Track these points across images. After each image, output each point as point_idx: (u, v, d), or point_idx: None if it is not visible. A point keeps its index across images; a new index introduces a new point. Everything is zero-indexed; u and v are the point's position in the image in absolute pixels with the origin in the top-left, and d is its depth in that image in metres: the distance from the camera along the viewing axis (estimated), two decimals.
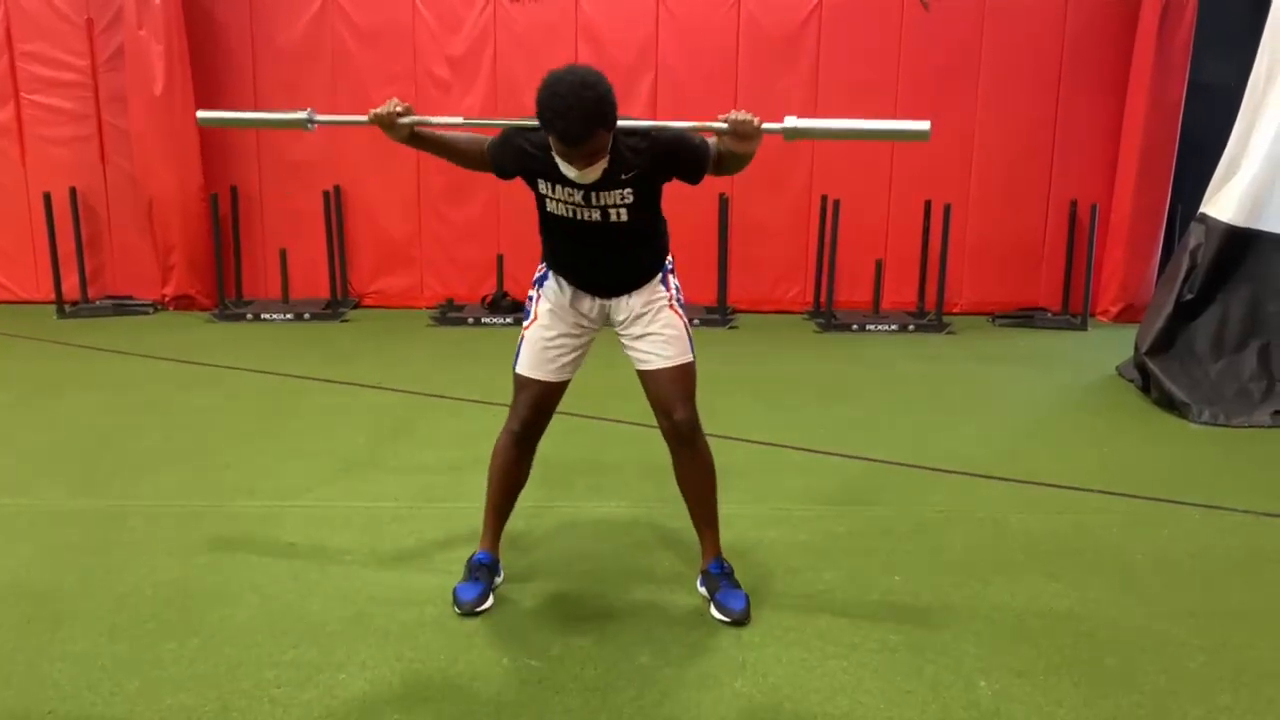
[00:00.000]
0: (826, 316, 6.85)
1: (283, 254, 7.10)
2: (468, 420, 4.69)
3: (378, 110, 2.71)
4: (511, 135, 2.71)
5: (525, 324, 2.89)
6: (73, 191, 6.85)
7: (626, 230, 2.70)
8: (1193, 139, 6.75)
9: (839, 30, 6.90)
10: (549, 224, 2.78)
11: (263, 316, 6.88)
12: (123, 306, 7.05)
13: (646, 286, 2.84)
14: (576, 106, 2.38)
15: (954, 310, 7.14)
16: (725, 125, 2.56)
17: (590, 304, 2.85)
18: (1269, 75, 5.02)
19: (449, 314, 6.90)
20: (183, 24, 6.67)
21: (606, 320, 2.89)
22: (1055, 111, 7.05)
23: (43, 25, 6.84)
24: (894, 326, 6.78)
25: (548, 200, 2.70)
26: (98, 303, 7.05)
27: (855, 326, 6.78)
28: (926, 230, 6.86)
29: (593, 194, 2.62)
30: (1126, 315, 7.01)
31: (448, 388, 5.18)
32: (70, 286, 6.94)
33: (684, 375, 2.84)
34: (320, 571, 3.14)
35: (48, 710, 2.42)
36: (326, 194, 6.97)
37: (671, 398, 2.82)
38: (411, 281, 7.33)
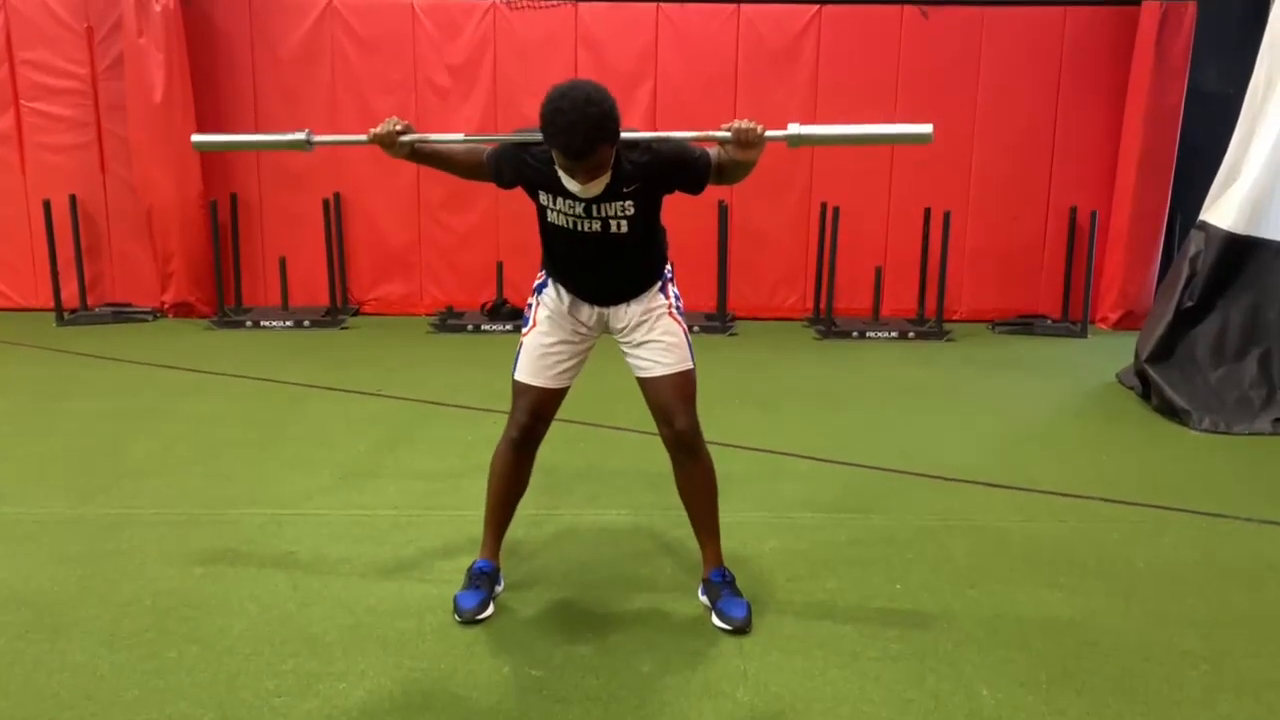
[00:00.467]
0: (826, 324, 6.85)
1: (282, 261, 7.09)
2: (467, 427, 4.68)
3: (377, 130, 2.73)
4: (516, 144, 2.71)
5: (524, 331, 2.90)
6: (72, 199, 6.85)
7: (627, 241, 2.70)
8: (1192, 146, 6.76)
9: (838, 39, 6.92)
10: (549, 233, 2.78)
11: (262, 324, 6.87)
12: (122, 314, 7.04)
13: (646, 295, 2.84)
14: (580, 122, 2.38)
15: (954, 317, 7.14)
16: (728, 134, 2.56)
17: (589, 312, 2.86)
18: (1268, 83, 5.03)
19: (448, 321, 6.90)
20: (183, 32, 6.68)
21: (605, 328, 2.90)
22: (1054, 119, 7.06)
23: (43, 33, 6.85)
24: (894, 334, 6.78)
25: (548, 211, 2.71)
26: (97, 310, 7.05)
27: (855, 334, 6.78)
28: (926, 237, 6.87)
29: (594, 206, 2.62)
30: (1126, 322, 7.02)
31: (447, 395, 5.18)
32: (69, 294, 6.93)
33: (684, 382, 2.84)
34: (320, 580, 3.13)
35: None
36: (326, 201, 6.97)
37: (672, 405, 2.83)
38: (411, 288, 7.33)
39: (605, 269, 2.80)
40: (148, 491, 3.87)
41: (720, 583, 2.92)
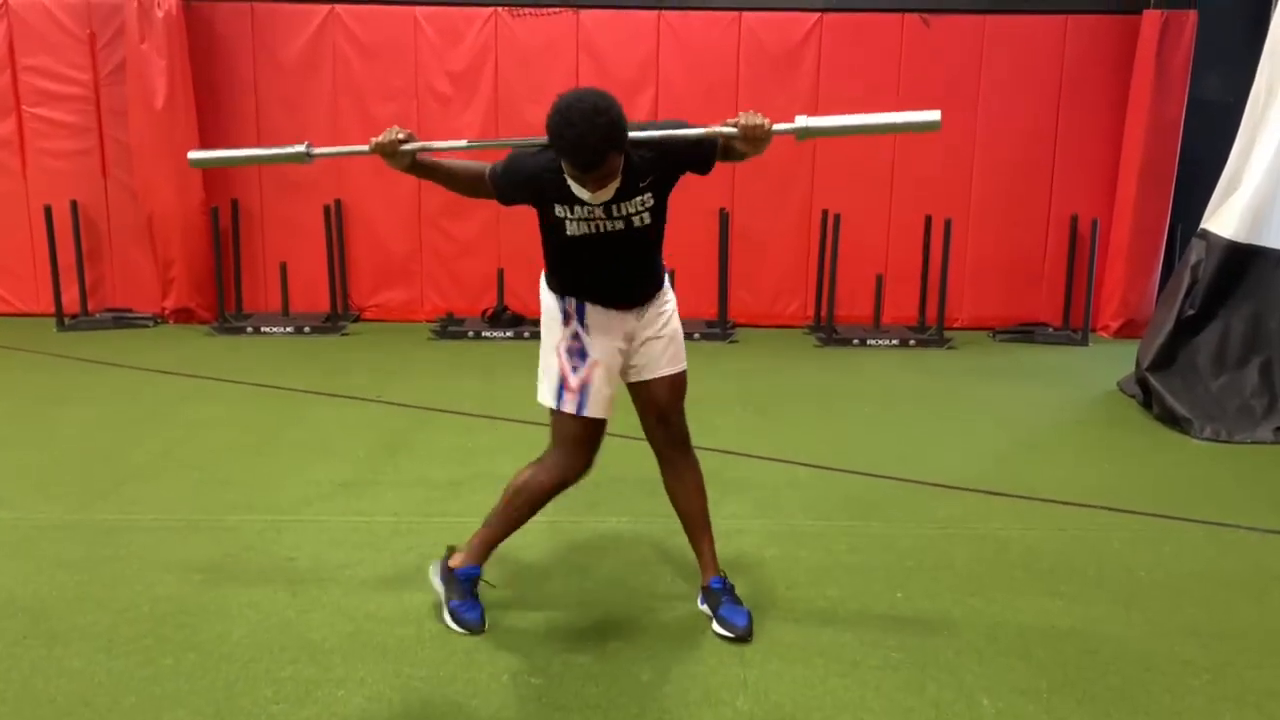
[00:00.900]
0: (827, 331, 6.85)
1: (283, 267, 7.10)
2: (467, 434, 4.68)
3: (378, 139, 2.68)
4: (520, 161, 2.66)
5: (581, 370, 2.74)
6: (73, 204, 6.85)
7: (650, 233, 2.70)
8: (1193, 155, 6.77)
9: (839, 46, 6.93)
10: (571, 248, 2.69)
11: (263, 330, 6.87)
12: (122, 319, 7.05)
13: (659, 293, 2.86)
14: (590, 134, 2.38)
15: (954, 325, 7.14)
16: (735, 130, 2.58)
17: (622, 321, 2.79)
18: (1269, 92, 5.03)
19: (449, 328, 6.90)
20: (185, 38, 6.69)
21: (632, 339, 2.83)
22: (1056, 127, 7.06)
23: (45, 39, 6.86)
24: (894, 341, 6.77)
25: (567, 224, 2.64)
26: (97, 315, 7.05)
27: (856, 341, 6.77)
28: (927, 245, 6.87)
29: (613, 206, 2.62)
30: (1127, 331, 7.01)
31: (447, 401, 5.17)
32: (70, 299, 6.93)
33: (682, 382, 2.89)
34: (319, 587, 3.12)
35: None
36: (327, 208, 6.97)
37: (671, 405, 2.86)
38: (411, 295, 7.33)
39: (634, 265, 2.77)
40: (147, 497, 3.86)
41: (720, 590, 2.91)
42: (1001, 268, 7.21)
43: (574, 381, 2.74)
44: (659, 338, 2.83)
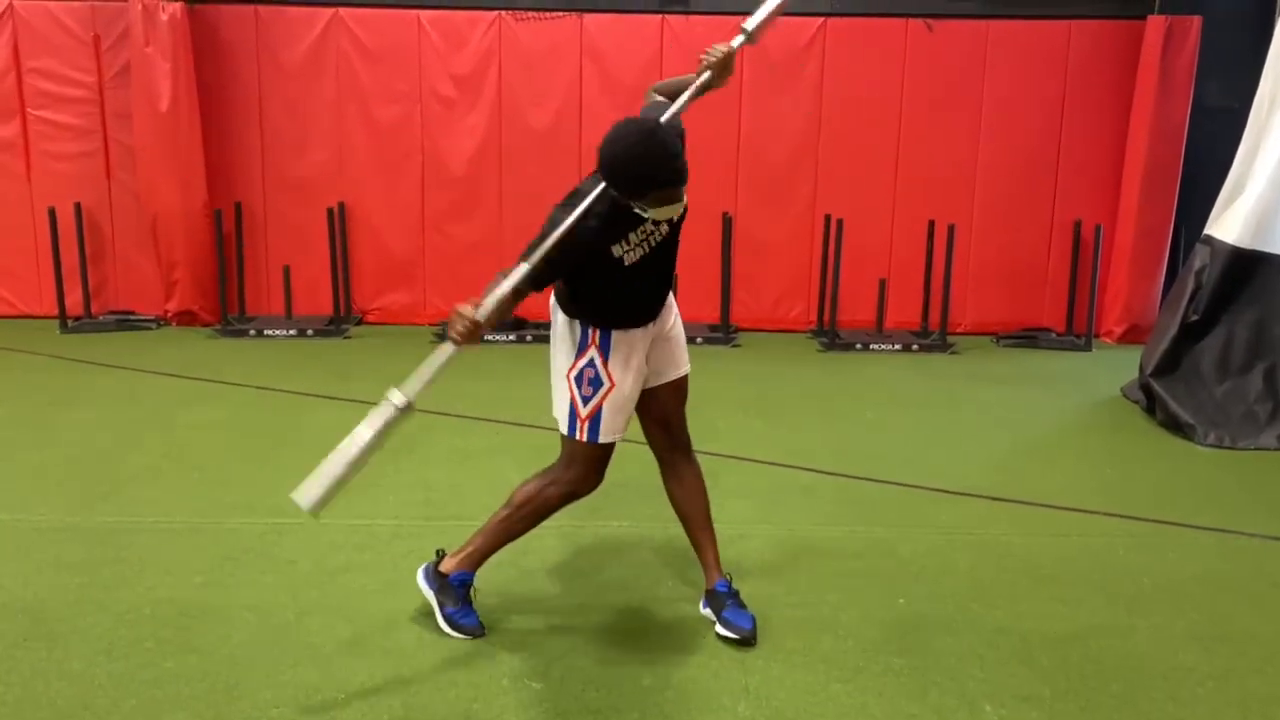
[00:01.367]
0: (830, 336, 6.84)
1: (286, 270, 7.10)
2: (468, 438, 4.68)
3: (456, 335, 2.66)
4: (568, 244, 2.53)
5: (593, 400, 2.72)
6: (77, 207, 6.86)
7: (681, 224, 2.72)
8: (1197, 160, 6.75)
9: (842, 52, 6.92)
10: (628, 280, 2.65)
11: (265, 333, 6.87)
12: (126, 322, 7.05)
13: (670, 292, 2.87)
14: (668, 145, 2.45)
15: (958, 330, 7.12)
16: (709, 76, 2.89)
17: (645, 334, 2.77)
18: (1273, 97, 5.02)
19: None
20: (189, 41, 6.70)
21: (650, 345, 2.81)
22: (1059, 132, 7.05)
23: (50, 42, 6.86)
24: (897, 346, 6.76)
25: (625, 257, 2.61)
26: (101, 318, 7.05)
27: (859, 346, 6.76)
28: (930, 250, 6.86)
29: None
30: (1131, 336, 6.99)
31: (448, 405, 5.16)
32: (73, 301, 6.93)
33: (686, 385, 2.91)
34: (319, 590, 3.12)
35: None
36: (330, 211, 6.98)
37: (676, 407, 2.87)
38: (414, 298, 7.33)
39: (668, 267, 2.79)
40: (148, 500, 3.86)
41: (726, 593, 2.91)
42: (1005, 273, 7.19)
43: (584, 411, 2.73)
44: (668, 339, 2.84)
